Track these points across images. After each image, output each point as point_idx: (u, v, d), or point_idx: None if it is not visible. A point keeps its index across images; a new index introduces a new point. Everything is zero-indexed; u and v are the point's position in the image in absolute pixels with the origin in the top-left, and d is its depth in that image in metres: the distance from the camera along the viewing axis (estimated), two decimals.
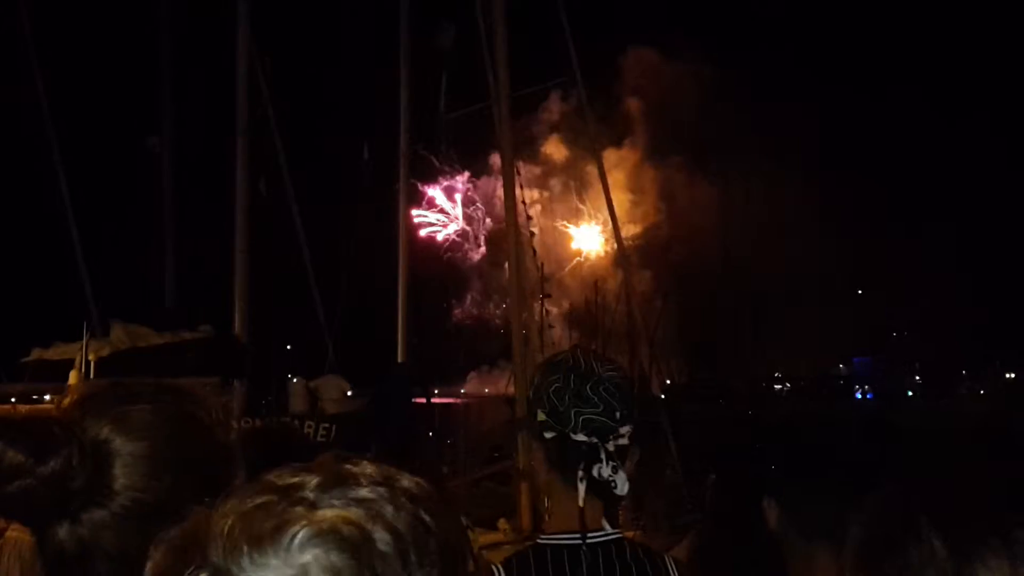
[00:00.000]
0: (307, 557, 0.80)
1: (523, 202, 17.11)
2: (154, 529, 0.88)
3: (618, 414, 2.11)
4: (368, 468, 0.86)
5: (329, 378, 15.18)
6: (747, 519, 2.02)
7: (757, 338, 73.43)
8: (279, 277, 19.06)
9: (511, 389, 16.31)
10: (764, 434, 2.24)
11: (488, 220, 75.96)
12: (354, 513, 0.82)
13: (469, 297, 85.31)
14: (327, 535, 0.80)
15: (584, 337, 55.79)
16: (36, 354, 12.10)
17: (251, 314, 14.55)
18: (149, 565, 0.85)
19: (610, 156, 66.92)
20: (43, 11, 18.54)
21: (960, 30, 76.53)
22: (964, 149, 75.59)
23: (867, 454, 1.90)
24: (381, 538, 0.82)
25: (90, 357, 10.76)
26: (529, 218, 19.48)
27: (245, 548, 0.79)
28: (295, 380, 15.40)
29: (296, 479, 0.84)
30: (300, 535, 0.80)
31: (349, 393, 14.88)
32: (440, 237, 78.43)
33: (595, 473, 2.07)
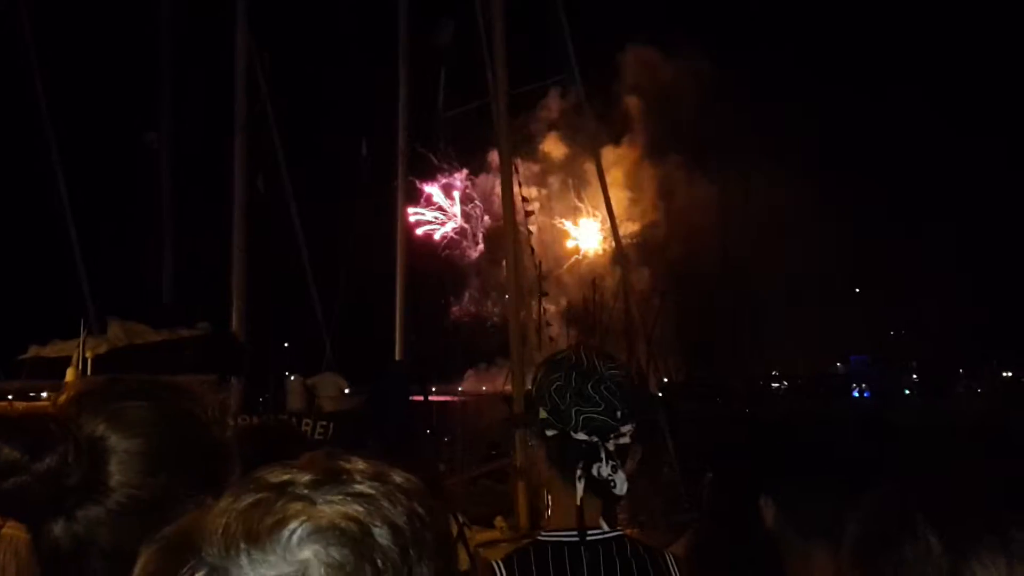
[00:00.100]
0: (307, 553, 0.79)
1: (522, 199, 17.11)
2: (150, 526, 0.87)
3: (619, 413, 2.11)
4: (360, 464, 0.86)
5: (327, 376, 15.20)
6: (744, 517, 2.02)
7: (755, 336, 73.47)
8: (277, 275, 19.07)
9: (508, 387, 16.30)
10: (761, 433, 2.24)
11: (486, 218, 76.00)
12: (353, 508, 0.82)
13: (467, 295, 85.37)
14: (327, 530, 0.80)
15: (582, 335, 55.83)
16: (33, 351, 12.12)
17: (249, 311, 14.57)
18: (139, 566, 0.85)
19: (609, 154, 66.93)
20: (42, 9, 18.53)
21: (960, 30, 76.57)
22: (964, 149, 75.65)
23: (864, 452, 1.90)
24: (380, 532, 0.82)
25: (87, 354, 10.77)
26: (528, 215, 19.47)
27: (243, 545, 0.79)
28: (293, 378, 15.41)
29: (288, 476, 0.83)
30: (299, 531, 0.79)
31: (347, 391, 14.91)
32: (438, 235, 78.54)
33: (594, 472, 2.07)
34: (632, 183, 75.37)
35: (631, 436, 2.13)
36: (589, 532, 2.09)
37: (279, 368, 16.68)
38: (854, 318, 78.92)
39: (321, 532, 0.80)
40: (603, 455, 2.08)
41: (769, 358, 76.97)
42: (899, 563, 1.04)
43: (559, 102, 69.08)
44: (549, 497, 2.22)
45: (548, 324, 24.91)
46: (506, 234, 14.81)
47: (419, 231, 63.26)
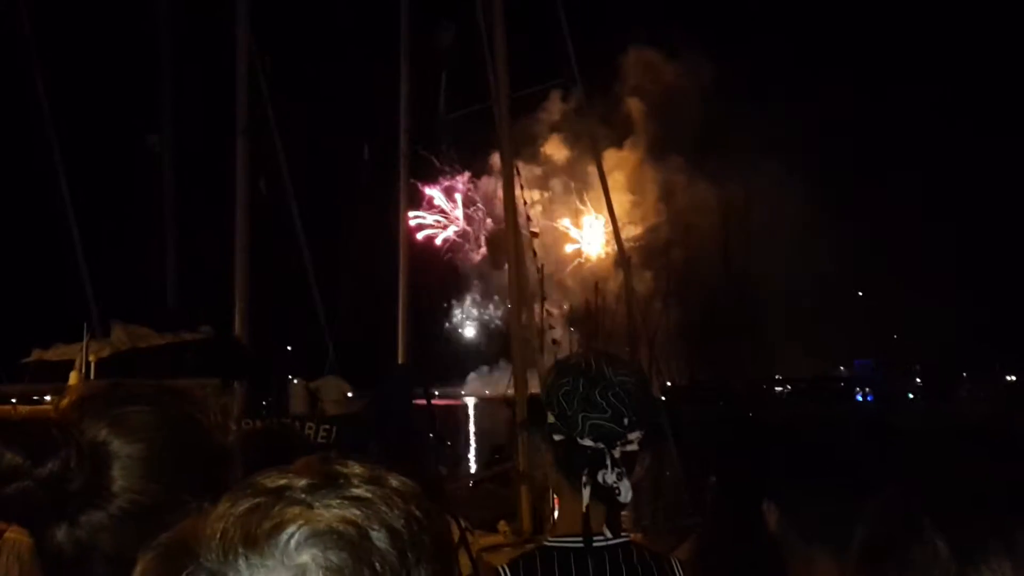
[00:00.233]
0: (305, 557, 0.79)
1: (524, 202, 17.10)
2: (152, 531, 0.87)
3: (626, 420, 2.10)
4: (357, 468, 0.86)
5: (329, 379, 15.17)
6: (747, 521, 2.02)
7: (757, 340, 73.49)
8: (279, 278, 19.08)
9: (511, 391, 16.30)
10: (764, 436, 2.24)
11: (489, 221, 76.21)
12: (350, 512, 0.82)
13: (469, 298, 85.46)
14: (325, 534, 0.80)
15: (584, 338, 55.85)
16: (36, 355, 12.10)
17: (251, 315, 14.56)
18: (137, 572, 0.84)
19: (611, 156, 67.11)
20: (43, 10, 18.55)
21: (961, 31, 76.55)
22: (967, 150, 75.59)
23: (867, 456, 1.89)
24: (378, 536, 0.82)
25: (90, 358, 10.76)
26: (529, 219, 19.46)
27: (240, 550, 0.79)
28: (295, 381, 15.40)
29: (284, 480, 0.83)
30: (297, 535, 0.79)
31: (349, 394, 14.88)
32: (440, 238, 78.58)
33: (599, 479, 2.07)
34: (634, 186, 75.49)
35: (639, 443, 2.13)
36: (595, 539, 2.08)
37: (282, 372, 16.66)
38: (857, 322, 78.92)
39: (319, 536, 0.80)
40: (608, 462, 2.07)
41: (772, 361, 77.00)
42: (906, 567, 1.04)
43: (561, 105, 69.29)
44: (556, 502, 2.22)
45: (551, 327, 24.89)
46: (508, 237, 14.83)
47: (420, 235, 63.32)
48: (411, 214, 21.99)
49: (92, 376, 10.44)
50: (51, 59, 18.17)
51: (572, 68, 17.70)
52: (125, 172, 25.28)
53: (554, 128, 74.59)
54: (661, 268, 67.92)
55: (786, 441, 2.07)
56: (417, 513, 0.86)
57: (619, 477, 2.07)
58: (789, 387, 74.31)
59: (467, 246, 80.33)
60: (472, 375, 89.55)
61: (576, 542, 2.09)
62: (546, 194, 75.68)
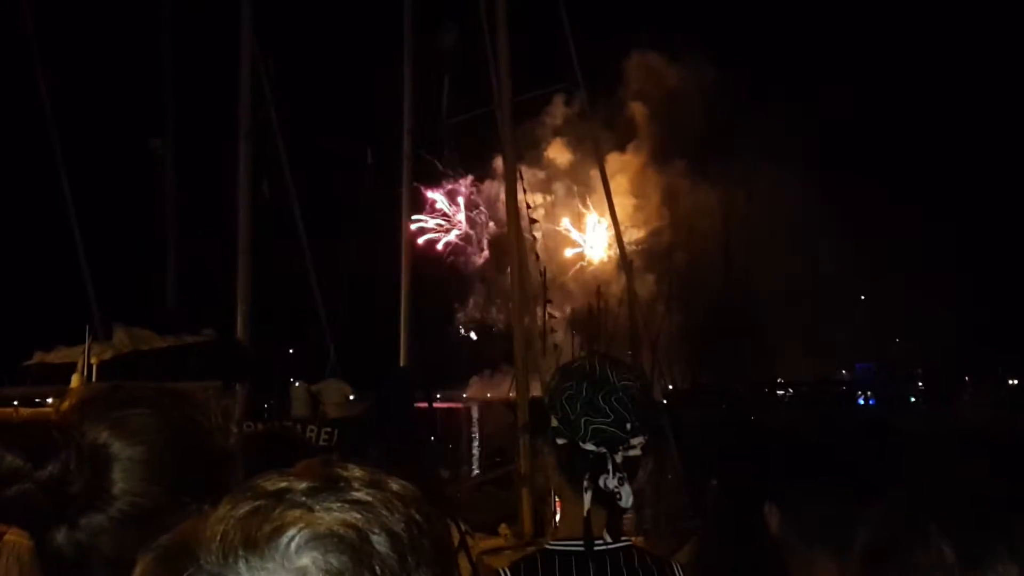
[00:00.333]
0: (305, 560, 0.79)
1: (527, 206, 17.11)
2: (153, 534, 0.87)
3: (629, 425, 2.10)
4: (357, 471, 0.86)
5: (331, 382, 15.17)
6: (748, 524, 2.01)
7: (759, 343, 73.48)
8: (281, 280, 19.09)
9: (513, 394, 16.29)
10: (766, 439, 2.24)
11: (491, 224, 76.22)
12: (351, 515, 0.82)
13: (472, 301, 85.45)
14: (325, 537, 0.80)
15: (587, 342, 55.85)
16: (38, 357, 12.10)
17: (253, 317, 14.55)
18: (136, 574, 0.84)
19: (614, 160, 67.16)
20: (46, 13, 18.58)
21: (961, 31, 76.53)
22: (969, 152, 75.56)
23: (868, 459, 1.89)
24: (378, 540, 0.82)
25: (92, 360, 10.75)
26: (532, 222, 19.47)
27: (241, 553, 0.79)
28: (297, 384, 15.41)
29: (285, 483, 0.83)
30: (297, 538, 0.79)
31: (351, 397, 14.88)
32: (443, 242, 78.60)
33: (601, 483, 2.07)
34: (637, 189, 75.52)
35: (642, 448, 2.13)
36: (595, 542, 2.08)
37: (284, 374, 16.70)
38: (859, 325, 78.88)
39: (319, 539, 0.80)
40: (610, 467, 2.07)
41: (773, 365, 76.98)
42: (910, 570, 1.03)
43: (564, 109, 69.34)
44: (558, 505, 2.23)
45: (553, 331, 24.90)
46: (510, 241, 14.83)
47: (422, 240, 63.33)
48: (413, 217, 22.00)
49: (94, 379, 10.43)
50: (54, 61, 18.22)
51: (575, 72, 17.71)
52: (127, 175, 25.31)
53: (557, 132, 74.67)
54: (664, 271, 67.96)
55: (787, 444, 2.07)
56: (417, 517, 0.86)
57: (620, 482, 2.07)
58: (791, 390, 74.29)
59: (470, 249, 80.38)
60: (474, 378, 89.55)
61: (577, 546, 2.09)
62: (549, 198, 75.71)
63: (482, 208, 78.73)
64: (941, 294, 73.52)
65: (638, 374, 2.21)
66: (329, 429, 12.29)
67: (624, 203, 66.69)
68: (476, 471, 20.13)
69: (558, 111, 70.75)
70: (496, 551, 9.22)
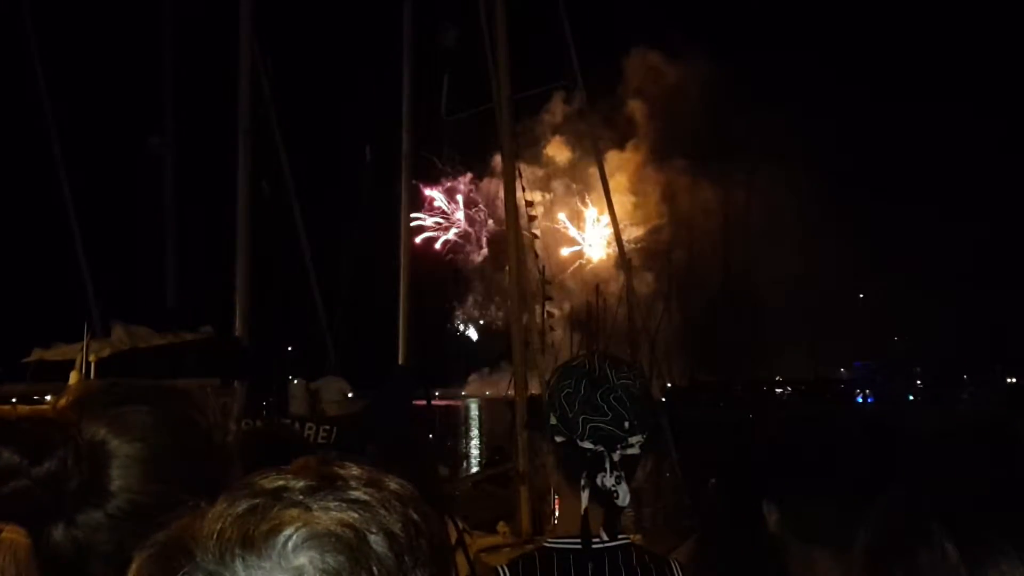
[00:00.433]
0: (302, 559, 0.79)
1: (526, 203, 17.11)
2: (150, 531, 0.87)
3: (627, 424, 2.10)
4: (355, 470, 0.86)
5: (330, 380, 15.16)
6: (747, 523, 2.01)
7: (758, 341, 73.53)
8: (280, 278, 19.09)
9: (511, 392, 16.29)
10: (764, 437, 2.24)
11: (490, 222, 76.24)
12: (348, 515, 0.82)
13: (471, 299, 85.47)
14: (323, 537, 0.80)
15: (585, 339, 55.87)
16: (37, 354, 12.10)
17: (252, 315, 14.54)
18: (132, 570, 0.84)
19: (613, 158, 67.19)
20: (46, 12, 18.57)
21: (962, 32, 76.53)
22: (967, 151, 75.55)
23: (867, 458, 1.89)
24: (376, 539, 0.82)
25: (90, 358, 10.74)
26: (531, 219, 19.47)
27: (238, 551, 0.79)
28: (296, 381, 15.40)
29: (282, 481, 0.83)
30: (295, 537, 0.79)
31: (350, 395, 14.87)
32: (441, 240, 78.60)
33: (598, 482, 2.06)
34: (636, 187, 75.53)
35: (641, 447, 2.13)
36: (594, 540, 2.08)
37: (282, 372, 16.67)
38: (858, 323, 78.93)
39: (317, 538, 0.79)
40: (608, 465, 2.07)
41: (772, 363, 77.01)
42: (914, 570, 1.03)
43: (563, 106, 69.34)
44: (557, 503, 2.23)
45: (552, 329, 24.93)
46: (509, 239, 14.83)
47: (420, 238, 63.29)
48: (412, 215, 22.00)
49: (92, 376, 10.42)
50: (53, 60, 18.20)
51: (574, 70, 17.70)
52: (127, 173, 25.32)
53: (556, 130, 74.69)
54: (662, 269, 67.99)
55: (786, 442, 2.07)
56: (415, 517, 0.86)
57: (617, 481, 2.07)
58: (789, 389, 74.30)
59: (468, 247, 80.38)
60: (473, 376, 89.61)
61: (575, 544, 2.09)
62: (548, 196, 75.71)
63: (481, 206, 78.79)
64: (940, 293, 73.61)
65: (637, 372, 2.21)
66: (328, 427, 12.29)
67: (623, 201, 66.75)
68: (475, 469, 20.16)
69: (557, 109, 70.79)
70: (494, 549, 9.22)
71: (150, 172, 20.69)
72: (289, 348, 22.66)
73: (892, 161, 77.50)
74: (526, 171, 24.94)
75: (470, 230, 79.85)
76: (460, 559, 3.94)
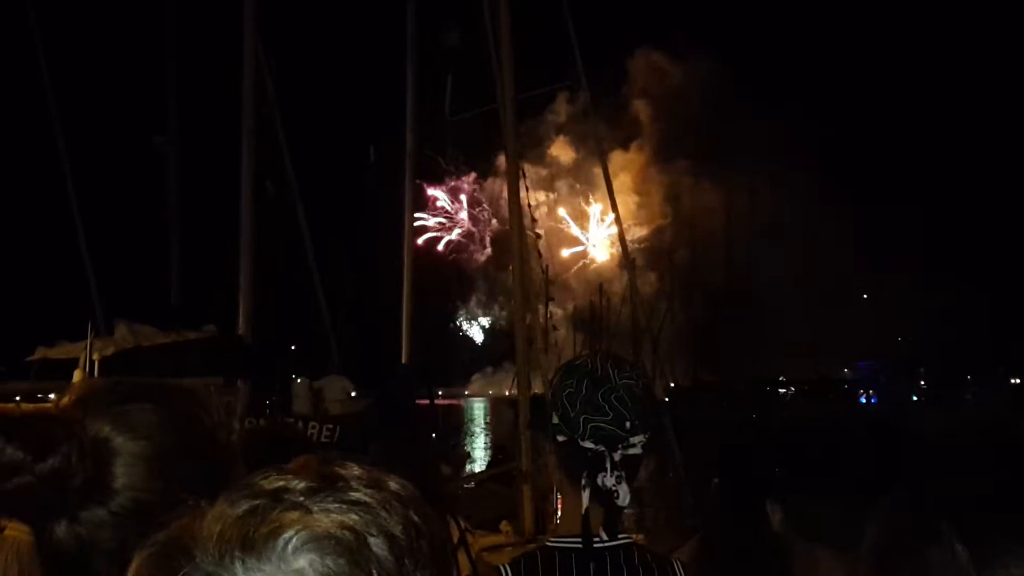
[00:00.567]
0: (302, 562, 0.79)
1: (529, 204, 17.09)
2: (153, 529, 0.87)
3: (628, 424, 2.10)
4: (355, 470, 0.86)
5: (333, 379, 15.17)
6: (750, 522, 2.01)
7: (761, 341, 73.47)
8: (284, 277, 19.10)
9: (514, 391, 16.29)
10: (767, 437, 2.24)
11: (494, 221, 76.24)
12: (349, 517, 0.81)
13: (474, 298, 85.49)
14: (322, 540, 0.79)
15: (589, 339, 55.85)
16: (40, 353, 12.12)
17: (255, 314, 14.55)
18: (132, 570, 0.84)
19: (617, 158, 67.25)
20: (50, 11, 18.59)
21: (962, 34, 76.46)
22: (973, 153, 75.48)
23: (871, 457, 1.89)
24: (376, 542, 0.81)
25: (94, 356, 10.75)
26: (534, 220, 19.46)
27: (237, 553, 0.79)
28: (299, 380, 15.40)
29: (282, 482, 0.83)
30: (295, 540, 0.79)
31: (353, 394, 14.88)
32: (444, 240, 78.62)
33: (599, 482, 2.06)
34: (640, 187, 75.53)
35: (642, 447, 2.12)
36: (595, 540, 2.08)
37: (285, 371, 16.68)
38: (861, 323, 78.86)
39: (317, 541, 0.79)
40: (608, 465, 2.07)
41: (775, 363, 76.95)
42: (922, 571, 1.03)
43: (567, 107, 69.36)
44: (560, 502, 2.23)
45: (555, 328, 24.93)
46: (512, 239, 14.82)
47: (422, 239, 63.26)
48: (416, 215, 22.01)
49: (96, 374, 10.43)
50: (58, 59, 18.22)
51: (578, 70, 17.70)
52: (131, 172, 25.35)
53: (560, 129, 74.70)
54: (666, 269, 67.99)
55: (789, 442, 2.07)
56: (415, 519, 0.86)
57: (618, 480, 2.06)
58: (792, 388, 74.26)
59: (472, 247, 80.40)
60: (476, 375, 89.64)
61: (577, 543, 2.09)
62: (552, 195, 75.75)
63: (485, 205, 78.78)
64: (943, 293, 73.54)
65: (640, 372, 2.20)
66: (331, 426, 12.30)
67: (627, 201, 66.74)
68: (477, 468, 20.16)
69: (561, 109, 70.81)
70: (497, 548, 9.22)
71: (154, 171, 20.71)
72: (292, 347, 22.67)
73: (893, 161, 77.41)
74: (530, 171, 24.95)
75: (474, 230, 79.89)
76: (462, 558, 3.93)
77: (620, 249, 23.13)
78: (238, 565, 0.78)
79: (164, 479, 1.27)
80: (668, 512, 14.86)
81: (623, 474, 2.07)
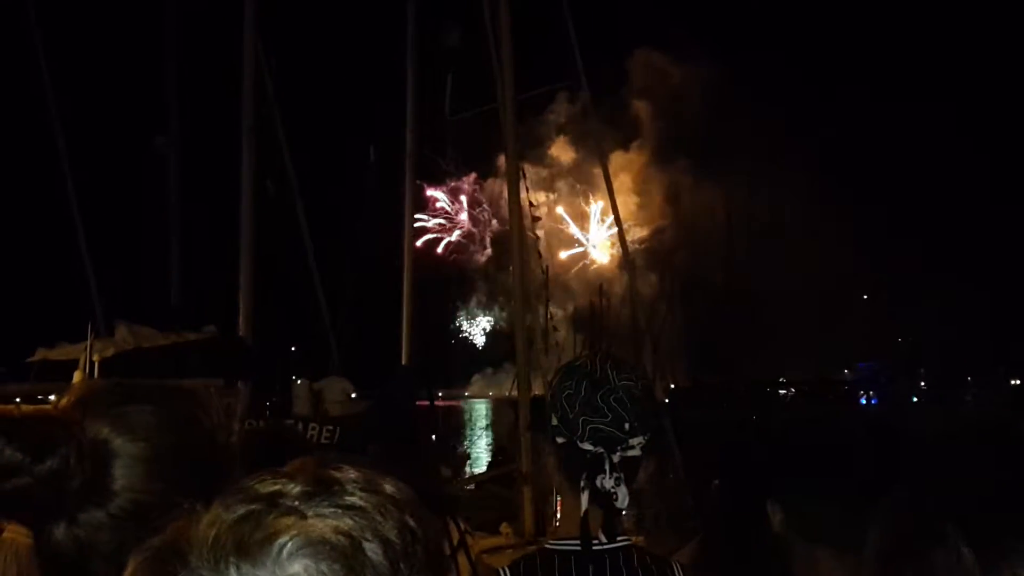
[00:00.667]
0: (297, 567, 0.79)
1: (530, 204, 17.09)
2: (152, 531, 0.87)
3: (627, 425, 2.09)
4: (351, 473, 0.86)
5: (333, 380, 15.15)
6: (751, 523, 2.01)
7: (761, 342, 73.44)
8: (284, 278, 19.10)
9: (514, 392, 16.28)
10: (768, 438, 2.24)
11: (494, 222, 76.22)
12: (344, 522, 0.81)
13: (474, 299, 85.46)
14: (317, 545, 0.79)
15: (589, 340, 55.85)
16: (41, 354, 12.11)
17: (255, 315, 14.55)
18: (127, 574, 0.84)
19: (617, 158, 67.21)
20: (51, 12, 18.59)
21: (963, 36, 76.47)
22: (969, 151, 75.48)
23: (871, 458, 1.89)
24: (371, 547, 0.81)
25: (94, 357, 10.75)
26: (535, 220, 19.45)
27: (232, 559, 0.78)
28: (299, 382, 15.40)
29: (278, 486, 0.83)
30: (289, 545, 0.79)
31: (353, 395, 14.87)
32: (445, 241, 78.61)
33: (598, 484, 2.06)
34: (640, 188, 75.51)
35: (642, 448, 2.12)
36: (594, 542, 2.08)
37: (285, 372, 16.67)
38: (861, 324, 78.83)
39: (312, 546, 0.79)
40: (607, 467, 2.06)
41: (776, 364, 76.94)
42: (927, 573, 1.02)
43: (567, 107, 69.33)
44: (559, 504, 2.22)
45: (555, 329, 24.90)
46: (512, 239, 14.81)
47: (421, 241, 63.25)
48: (416, 216, 22.01)
49: (96, 376, 10.43)
50: (58, 59, 18.22)
51: (578, 70, 17.70)
52: (131, 172, 25.36)
53: (560, 130, 74.67)
54: (666, 270, 67.97)
55: (789, 443, 2.07)
56: (411, 523, 0.85)
57: (617, 482, 2.06)
58: (792, 389, 74.23)
59: (472, 247, 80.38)
60: (476, 376, 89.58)
61: (576, 545, 2.08)
62: (552, 196, 75.73)
63: (485, 206, 78.76)
64: (943, 293, 73.52)
65: (640, 374, 2.20)
66: (331, 427, 12.29)
67: (627, 201, 66.72)
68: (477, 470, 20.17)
69: (561, 109, 70.76)
70: (497, 550, 9.21)
71: (154, 171, 20.71)
72: (292, 348, 22.69)
73: (893, 161, 77.42)
74: (530, 171, 24.95)
75: (474, 230, 79.86)
76: (462, 560, 3.92)
77: (620, 250, 23.13)
78: (233, 570, 0.78)
79: (163, 481, 1.27)
80: (668, 514, 14.84)
81: (622, 476, 2.07)
